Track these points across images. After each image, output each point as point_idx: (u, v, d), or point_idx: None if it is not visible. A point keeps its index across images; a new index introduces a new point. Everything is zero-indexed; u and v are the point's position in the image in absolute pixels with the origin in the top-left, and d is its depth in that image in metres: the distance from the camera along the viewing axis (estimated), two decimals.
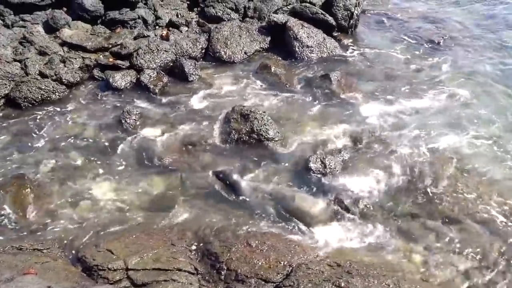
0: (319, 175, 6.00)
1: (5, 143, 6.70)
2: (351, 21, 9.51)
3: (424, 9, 11.07)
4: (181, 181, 6.02)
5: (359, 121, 7.10)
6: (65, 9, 9.25)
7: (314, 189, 5.84)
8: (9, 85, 7.49)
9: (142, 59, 8.20)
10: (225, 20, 9.55)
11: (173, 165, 6.25)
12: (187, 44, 8.70)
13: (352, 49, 9.16)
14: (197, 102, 7.63)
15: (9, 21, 8.84)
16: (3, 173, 6.06)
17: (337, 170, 6.06)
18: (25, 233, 5.23)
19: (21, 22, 8.96)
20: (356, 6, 9.51)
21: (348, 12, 9.43)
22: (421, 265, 4.95)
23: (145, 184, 5.98)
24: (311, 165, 6.05)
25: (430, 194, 5.77)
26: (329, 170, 6.01)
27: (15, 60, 8.00)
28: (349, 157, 6.33)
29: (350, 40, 9.40)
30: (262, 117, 6.65)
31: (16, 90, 7.38)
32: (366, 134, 6.77)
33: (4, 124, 7.05)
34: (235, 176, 5.79)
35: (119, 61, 8.17)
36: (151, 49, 8.35)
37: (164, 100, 7.64)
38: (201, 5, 10.11)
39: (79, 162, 6.34)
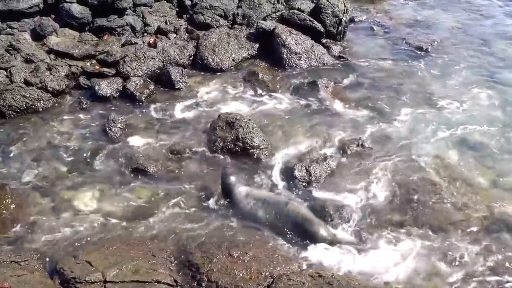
0: (304, 184, 5.95)
1: None
2: (340, 28, 9.49)
3: (413, 16, 11.08)
4: (165, 191, 5.95)
5: (346, 129, 7.06)
6: (53, 16, 9.19)
7: (298, 197, 5.79)
8: None
9: (128, 66, 8.15)
10: (214, 27, 9.51)
11: (157, 174, 6.19)
12: (174, 52, 8.65)
13: (341, 56, 9.11)
14: (183, 110, 7.58)
15: None
16: None
17: (322, 179, 6.02)
18: (4, 245, 5.14)
19: (8, 29, 8.89)
20: (344, 12, 9.48)
21: (337, 18, 9.40)
22: (406, 275, 4.88)
23: (128, 194, 5.93)
24: (296, 173, 6.01)
25: (416, 203, 5.71)
26: (314, 178, 5.97)
27: (0, 68, 7.94)
28: (335, 165, 6.28)
29: (339, 47, 9.36)
30: (247, 125, 6.60)
31: (0, 99, 7.31)
32: (352, 142, 6.71)
33: None
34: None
35: (105, 69, 8.12)
36: (138, 57, 8.30)
37: (150, 108, 7.59)
38: (190, 12, 10.08)
39: (61, 172, 6.28)
